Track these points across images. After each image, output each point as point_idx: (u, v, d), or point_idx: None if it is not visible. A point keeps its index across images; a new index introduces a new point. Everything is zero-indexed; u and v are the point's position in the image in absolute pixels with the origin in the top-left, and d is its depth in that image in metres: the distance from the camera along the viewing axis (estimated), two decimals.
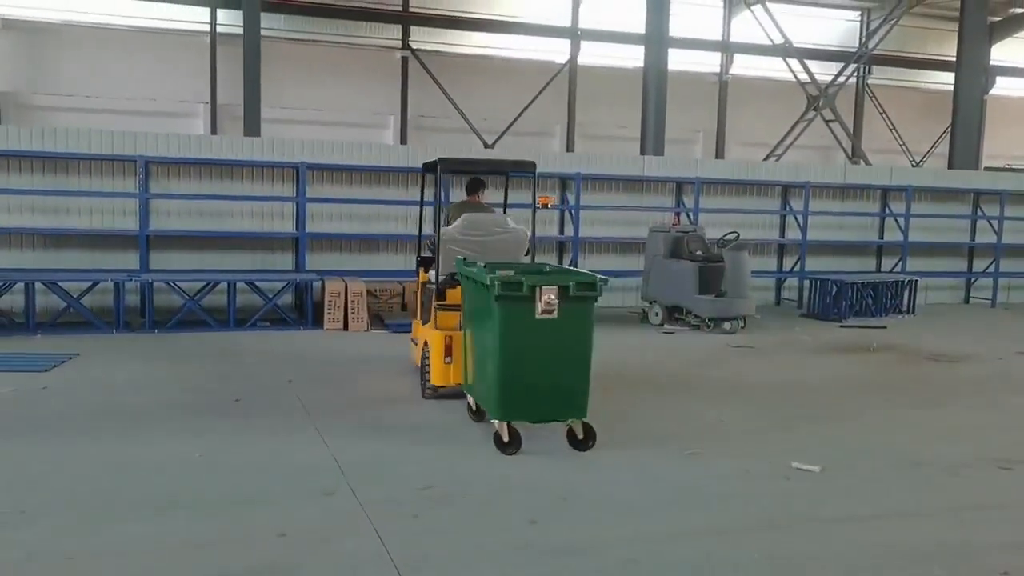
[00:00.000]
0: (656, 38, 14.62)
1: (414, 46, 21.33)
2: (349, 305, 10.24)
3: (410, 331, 9.55)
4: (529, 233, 7.50)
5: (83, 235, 10.74)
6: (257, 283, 10.43)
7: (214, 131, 19.49)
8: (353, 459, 5.41)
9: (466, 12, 21.26)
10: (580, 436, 5.77)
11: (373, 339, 10.00)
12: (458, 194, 10.15)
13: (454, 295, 6.94)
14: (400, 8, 21.10)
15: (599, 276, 5.66)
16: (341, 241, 11.87)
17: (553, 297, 5.48)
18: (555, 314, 5.49)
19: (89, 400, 6.81)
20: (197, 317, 10.03)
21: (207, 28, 19.65)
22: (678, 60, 21.85)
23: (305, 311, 10.45)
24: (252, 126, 16.20)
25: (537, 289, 5.46)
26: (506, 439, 5.63)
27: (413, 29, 21.33)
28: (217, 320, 10.07)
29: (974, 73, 15.93)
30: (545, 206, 7.76)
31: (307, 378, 7.76)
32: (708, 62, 23.10)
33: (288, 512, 4.53)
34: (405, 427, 6.31)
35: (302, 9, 19.99)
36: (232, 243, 11.32)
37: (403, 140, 21.24)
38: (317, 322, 10.34)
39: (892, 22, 19.99)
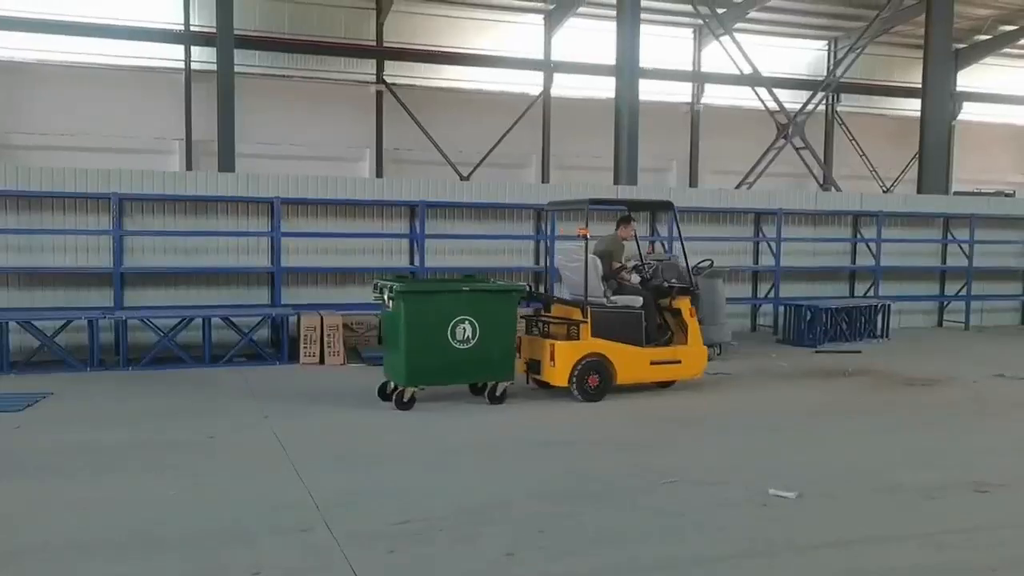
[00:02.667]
0: (627, 69, 14.83)
1: (388, 80, 21.46)
2: (325, 339, 10.20)
3: None
4: (598, 261, 8.92)
5: (57, 273, 10.66)
6: (232, 318, 10.38)
7: (189, 167, 19.46)
8: (329, 494, 5.37)
9: (439, 46, 21.45)
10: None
11: (349, 372, 9.95)
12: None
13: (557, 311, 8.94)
14: (374, 43, 21.26)
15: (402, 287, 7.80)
16: (318, 275, 11.85)
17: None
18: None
19: (63, 439, 6.73)
20: (172, 354, 9.95)
21: (182, 65, 19.68)
22: (650, 90, 22.12)
23: (281, 346, 10.40)
24: (227, 162, 16.19)
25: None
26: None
27: (387, 64, 21.47)
28: (192, 356, 9.99)
29: (940, 99, 16.26)
30: (585, 236, 8.63)
31: (283, 413, 7.71)
32: (680, 92, 23.40)
33: (263, 550, 4.49)
34: (383, 459, 6.29)
35: (277, 45, 20.08)
36: (207, 279, 11.27)
37: (379, 173, 21.29)
38: (293, 356, 10.29)
39: (858, 51, 20.39)
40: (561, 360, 8.35)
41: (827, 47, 23.30)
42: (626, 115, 14.58)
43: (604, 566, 4.36)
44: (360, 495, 5.42)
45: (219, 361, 10.01)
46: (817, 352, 12.16)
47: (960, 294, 15.23)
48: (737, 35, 21.49)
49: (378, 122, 21.67)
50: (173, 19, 19.60)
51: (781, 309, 13.81)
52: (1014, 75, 25.34)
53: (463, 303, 7.94)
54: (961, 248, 15.17)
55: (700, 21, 21.28)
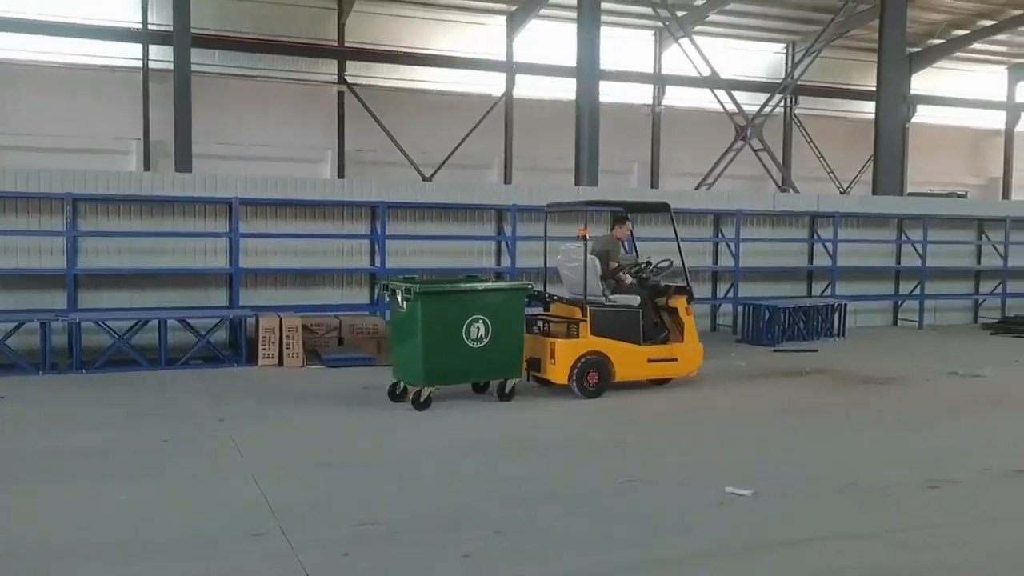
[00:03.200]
0: (587, 71, 14.90)
1: (350, 80, 21.35)
2: (284, 340, 10.11)
3: (349, 365, 9.68)
4: (596, 261, 9.08)
5: (9, 275, 10.44)
6: (189, 320, 10.25)
7: (147, 168, 19.17)
8: (285, 498, 5.32)
9: (401, 47, 21.39)
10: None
11: (308, 375, 9.88)
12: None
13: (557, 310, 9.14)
14: (336, 43, 21.13)
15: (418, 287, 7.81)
16: (278, 276, 11.74)
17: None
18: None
19: (13, 445, 6.60)
20: (127, 356, 9.79)
21: (139, 64, 19.39)
22: (612, 92, 22.28)
23: (239, 348, 10.29)
24: (183, 162, 15.99)
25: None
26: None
27: (349, 64, 21.35)
28: (148, 359, 9.84)
29: (894, 102, 16.56)
30: (584, 237, 8.84)
31: (238, 416, 7.63)
32: (642, 94, 23.57)
33: (213, 556, 4.43)
34: (341, 463, 6.24)
35: (237, 45, 19.87)
36: (165, 281, 11.11)
37: (341, 174, 21.16)
38: (252, 359, 10.19)
39: (813, 54, 20.72)
40: (561, 358, 8.54)
41: (785, 50, 23.63)
42: (586, 116, 14.65)
43: (560, 572, 4.38)
44: (320, 499, 5.36)
45: (175, 364, 9.87)
46: (775, 351, 12.32)
47: (914, 293, 15.51)
48: (697, 38, 21.72)
49: (340, 123, 21.54)
50: (131, 18, 19.33)
51: (740, 309, 13.96)
52: (967, 79, 25.89)
53: (477, 302, 8.09)
54: (915, 248, 15.45)
55: (661, 24, 21.45)
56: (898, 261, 15.75)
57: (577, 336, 8.72)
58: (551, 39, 21.77)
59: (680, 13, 21.52)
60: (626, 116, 22.78)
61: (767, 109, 20.31)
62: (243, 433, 6.98)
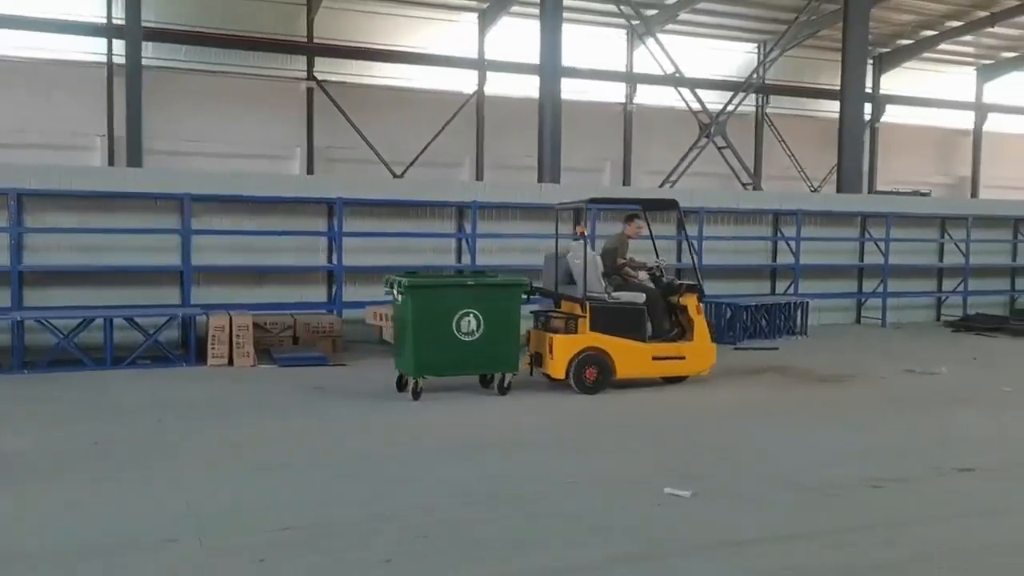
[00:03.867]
0: (549, 68, 14.82)
1: (319, 77, 21.13)
2: (234, 339, 9.96)
3: (301, 365, 9.81)
4: (597, 258, 9.31)
5: None
6: (137, 319, 10.07)
7: (111, 163, 18.89)
8: (211, 502, 5.19)
9: (372, 43, 21.19)
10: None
11: (258, 374, 9.73)
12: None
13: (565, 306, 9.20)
14: (305, 39, 20.92)
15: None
16: (232, 274, 11.59)
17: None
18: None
19: None
20: (72, 356, 9.61)
21: (104, 59, 19.11)
22: (585, 90, 22.24)
23: (189, 347, 10.12)
24: (135, 157, 15.78)
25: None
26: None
27: (318, 60, 21.13)
28: (94, 359, 9.66)
29: (857, 101, 16.60)
30: (583, 235, 9.14)
31: (178, 417, 7.48)
32: (614, 92, 23.50)
33: (111, 565, 4.28)
34: (279, 465, 6.10)
35: (204, 40, 19.61)
36: (116, 278, 10.94)
37: (310, 171, 20.96)
38: (201, 358, 10.03)
39: (778, 55, 20.74)
40: (559, 353, 8.65)
41: (756, 50, 23.60)
42: (549, 113, 14.56)
43: None
44: (249, 503, 5.23)
45: (122, 363, 9.69)
46: (736, 349, 12.29)
47: (877, 291, 15.55)
48: (670, 36, 21.70)
49: (309, 120, 21.30)
50: (95, 12, 19.04)
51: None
52: (936, 79, 26.00)
53: (468, 297, 8.30)
54: (878, 246, 15.49)
55: (632, 22, 21.39)
56: (861, 259, 15.78)
57: (576, 332, 8.77)
58: (523, 36, 21.62)
59: (651, 12, 21.47)
60: (599, 114, 22.71)
61: (731, 107, 20.31)
62: (179, 434, 6.84)
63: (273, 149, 20.83)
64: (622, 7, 19.29)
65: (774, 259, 15.10)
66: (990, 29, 23.01)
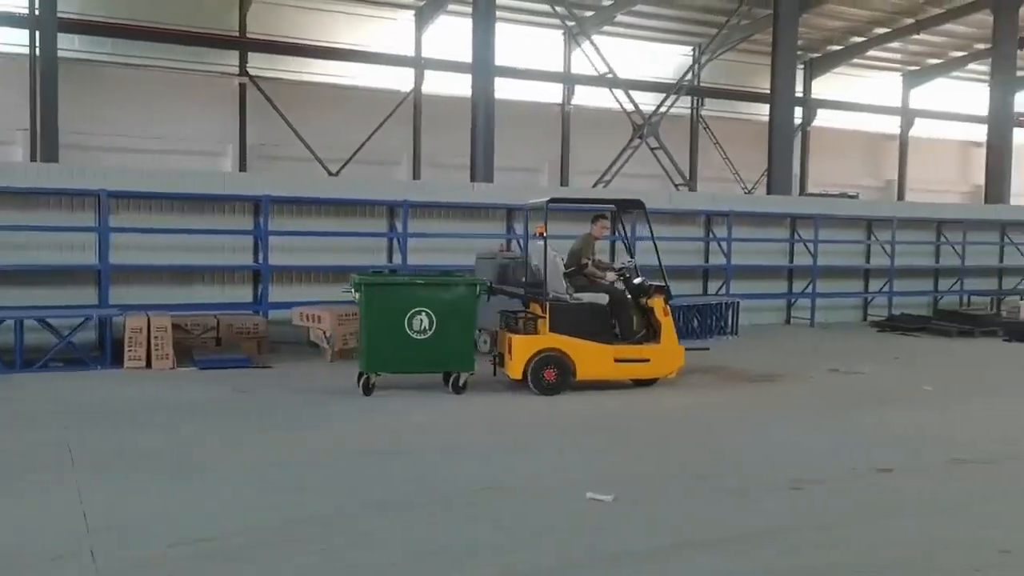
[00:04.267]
0: (483, 67, 14.75)
1: (253, 73, 20.72)
2: (153, 341, 9.63)
3: (223, 367, 9.70)
4: (558, 259, 9.10)
5: None
6: (49, 320, 9.68)
7: (34, 159, 18.21)
8: (112, 513, 4.96)
9: (307, 39, 20.85)
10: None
11: (176, 378, 9.42)
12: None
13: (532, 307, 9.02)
14: (237, 34, 20.48)
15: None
16: (154, 273, 11.23)
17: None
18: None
19: None
20: None
21: (27, 51, 18.39)
22: (523, 90, 22.25)
23: (105, 349, 9.77)
24: (50, 152, 15.23)
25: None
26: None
27: (251, 55, 20.71)
28: (3, 362, 9.25)
29: (787, 105, 16.91)
30: (542, 235, 8.75)
31: (85, 423, 7.18)
32: (552, 93, 23.54)
33: None
34: (191, 472, 5.87)
35: (130, 33, 19.04)
36: (28, 277, 10.49)
37: (243, 168, 20.54)
38: (118, 361, 9.68)
39: (709, 57, 21.03)
40: (517, 353, 8.61)
41: (692, 52, 23.88)
42: (482, 112, 14.49)
43: None
44: (153, 514, 5.00)
45: (32, 366, 9.30)
46: None
47: (806, 292, 15.83)
48: (607, 38, 21.82)
49: (242, 116, 20.87)
50: (18, 3, 18.32)
51: None
52: (865, 84, 26.67)
53: (420, 296, 8.39)
54: (807, 247, 15.76)
55: (570, 23, 21.44)
56: (791, 260, 16.05)
57: (535, 332, 8.69)
58: (460, 35, 21.51)
59: (588, 13, 21.57)
60: (538, 114, 22.74)
61: (664, 109, 20.51)
62: (85, 441, 6.55)
63: (204, 145, 20.35)
64: (557, 8, 19.30)
65: (706, 260, 15.25)
66: (916, 36, 23.72)
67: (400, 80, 21.99)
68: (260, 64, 20.81)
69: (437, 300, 8.41)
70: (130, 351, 9.60)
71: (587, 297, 9.15)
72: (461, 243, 13.01)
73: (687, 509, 5.39)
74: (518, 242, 13.26)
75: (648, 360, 9.06)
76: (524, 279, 11.31)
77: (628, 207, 10.20)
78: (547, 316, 8.71)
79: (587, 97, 23.46)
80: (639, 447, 6.98)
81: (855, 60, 25.39)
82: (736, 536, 4.90)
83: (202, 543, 4.52)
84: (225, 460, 6.25)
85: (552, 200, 9.61)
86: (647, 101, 21.55)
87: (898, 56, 26.05)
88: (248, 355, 10.20)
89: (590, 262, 9.61)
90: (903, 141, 27.42)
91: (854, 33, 24.14)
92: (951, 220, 17.63)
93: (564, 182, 23.35)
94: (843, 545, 4.81)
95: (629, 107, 20.15)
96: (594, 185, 20.21)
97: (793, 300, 16.09)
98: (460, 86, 21.97)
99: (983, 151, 20.63)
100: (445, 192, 13.32)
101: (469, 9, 20.59)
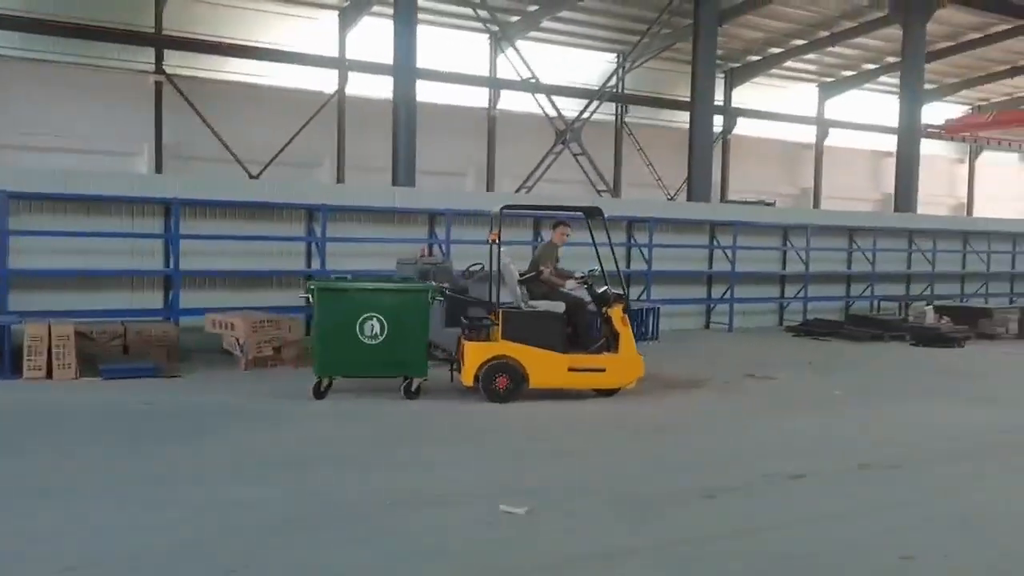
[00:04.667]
0: (404, 69, 14.62)
1: (169, 71, 20.09)
2: (54, 350, 9.21)
3: (129, 376, 9.39)
4: (511, 266, 9.11)
5: None
6: None
7: None
8: None
9: (226, 37, 20.33)
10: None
11: (78, 388, 9.02)
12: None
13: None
14: (153, 30, 19.84)
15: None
16: (58, 279, 10.76)
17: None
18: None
19: None
20: None
21: None
22: (450, 94, 22.14)
23: (2, 358, 9.29)
24: None
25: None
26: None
27: (168, 53, 20.08)
28: None
29: (706, 113, 17.24)
30: (495, 242, 8.78)
31: None
32: (478, 97, 23.49)
33: None
34: (51, 493, 5.53)
35: (41, 27, 18.27)
36: None
37: (159, 169, 19.90)
38: (17, 370, 9.22)
39: (629, 65, 21.34)
40: (469, 359, 8.59)
41: (617, 60, 24.12)
42: (403, 116, 14.35)
43: None
44: (21, 539, 4.70)
45: None
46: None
47: (725, 297, 16.13)
48: (534, 44, 21.87)
49: (158, 115, 20.20)
50: None
51: None
52: (783, 94, 27.36)
53: (370, 301, 8.47)
54: (725, 254, 16.07)
55: (495, 27, 21.43)
56: (710, 266, 16.34)
57: (487, 339, 8.60)
58: (385, 37, 21.27)
59: (514, 18, 21.60)
60: (464, 118, 22.65)
61: (586, 115, 20.68)
62: None
63: (118, 145, 19.63)
64: (479, 12, 19.27)
65: (628, 265, 15.39)
66: (831, 49, 24.44)
67: (324, 81, 21.63)
68: (177, 62, 20.20)
69: (388, 305, 8.47)
70: (29, 360, 9.16)
71: (543, 305, 9.05)
72: (383, 248, 12.86)
73: (600, 519, 5.36)
74: (440, 247, 13.17)
75: (604, 370, 8.89)
76: (446, 284, 11.26)
77: (588, 214, 10.03)
78: (499, 323, 8.63)
79: (513, 102, 23.48)
80: (565, 457, 6.91)
81: (773, 71, 26.03)
82: (649, 546, 4.89)
83: (77, 571, 4.26)
84: (110, 477, 5.94)
85: (506, 207, 9.47)
86: (572, 107, 21.68)
87: (814, 68, 26.81)
88: (157, 364, 9.84)
89: (546, 269, 9.47)
90: (819, 150, 28.23)
91: (772, 44, 24.75)
92: (863, 228, 18.23)
93: (490, 187, 23.32)
94: (751, 554, 4.85)
95: (551, 113, 20.23)
96: (517, 190, 20.24)
97: (712, 305, 16.37)
98: (385, 88, 21.67)
99: (893, 161, 21.35)
100: (365, 196, 13.15)
101: (392, 11, 20.49)
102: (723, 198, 24.56)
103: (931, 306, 16.28)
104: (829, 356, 13.27)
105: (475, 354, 8.61)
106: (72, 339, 9.30)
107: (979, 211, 31.43)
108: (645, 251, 15.18)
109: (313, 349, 8.73)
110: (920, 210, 21.28)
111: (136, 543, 4.69)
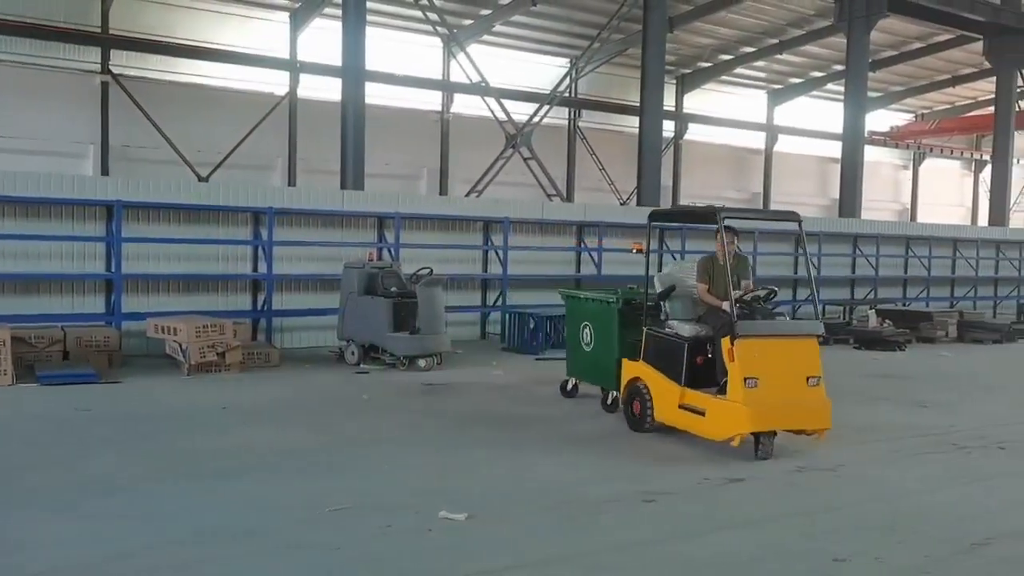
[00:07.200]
0: (353, 71, 14.55)
1: (116, 71, 19.74)
2: None
3: (67, 382, 9.05)
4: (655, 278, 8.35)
5: None
6: None
7: None
8: None
9: (175, 37, 20.03)
10: None
11: (12, 395, 8.80)
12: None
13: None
14: (99, 30, 19.48)
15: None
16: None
17: None
18: None
19: None
20: None
21: None
22: (403, 97, 22.08)
23: None
24: None
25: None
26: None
27: (114, 53, 19.73)
28: None
29: (656, 118, 17.43)
30: (640, 251, 8.62)
31: None
32: (431, 100, 23.47)
33: None
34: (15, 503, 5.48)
35: None
36: None
37: (104, 171, 19.54)
38: None
39: (582, 70, 21.50)
40: (623, 376, 8.20)
41: (569, 64, 24.28)
42: (352, 118, 14.27)
43: None
44: None
45: None
46: (539, 359, 12.43)
47: None
48: (486, 47, 21.90)
49: (104, 116, 19.84)
50: None
51: (508, 317, 14.06)
52: (733, 100, 27.79)
53: (584, 309, 9.27)
54: (674, 258, 16.24)
55: (441, 30, 21.44)
56: (659, 269, 16.42)
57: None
58: (337, 39, 21.16)
59: (467, 22, 21.64)
60: (417, 121, 22.62)
61: (537, 119, 20.78)
62: None
63: (61, 146, 19.23)
64: (429, 15, 19.27)
65: (578, 269, 15.51)
66: (779, 56, 24.89)
67: (275, 83, 21.44)
68: (124, 62, 19.86)
69: (594, 314, 8.98)
70: None
71: (687, 328, 7.61)
72: (331, 252, 12.79)
73: (540, 525, 5.37)
74: (389, 251, 13.14)
75: (703, 413, 7.23)
76: (394, 288, 11.24)
77: (703, 219, 9.36)
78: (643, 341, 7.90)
79: (467, 106, 23.52)
80: (521, 461, 6.89)
81: (724, 77, 26.42)
82: (587, 552, 4.91)
83: None
84: (35, 484, 5.83)
85: (653, 215, 8.90)
86: (525, 111, 21.76)
87: (763, 75, 27.28)
88: (97, 369, 9.67)
89: (702, 286, 7.86)
90: (768, 156, 28.72)
91: (723, 51, 25.12)
92: (809, 232, 18.51)
93: (444, 190, 23.32)
94: (697, 558, 4.91)
95: (502, 116, 20.29)
96: (467, 194, 20.25)
97: None
98: (337, 90, 21.64)
99: (839, 167, 21.76)
100: (313, 199, 13.07)
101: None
102: (674, 202, 24.83)
103: (874, 310, 16.62)
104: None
105: (625, 371, 8.05)
106: (8, 344, 9.10)
107: (922, 216, 32.22)
108: (595, 255, 15.27)
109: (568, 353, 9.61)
110: (864, 215, 21.73)
111: (60, 555, 4.61)
